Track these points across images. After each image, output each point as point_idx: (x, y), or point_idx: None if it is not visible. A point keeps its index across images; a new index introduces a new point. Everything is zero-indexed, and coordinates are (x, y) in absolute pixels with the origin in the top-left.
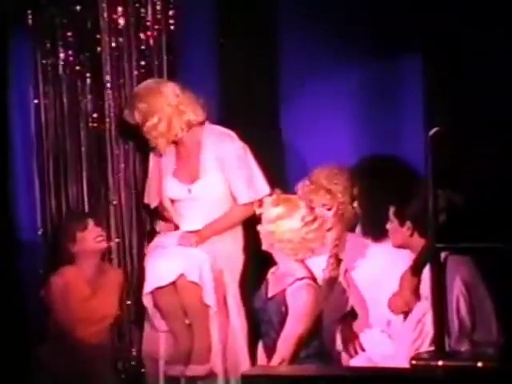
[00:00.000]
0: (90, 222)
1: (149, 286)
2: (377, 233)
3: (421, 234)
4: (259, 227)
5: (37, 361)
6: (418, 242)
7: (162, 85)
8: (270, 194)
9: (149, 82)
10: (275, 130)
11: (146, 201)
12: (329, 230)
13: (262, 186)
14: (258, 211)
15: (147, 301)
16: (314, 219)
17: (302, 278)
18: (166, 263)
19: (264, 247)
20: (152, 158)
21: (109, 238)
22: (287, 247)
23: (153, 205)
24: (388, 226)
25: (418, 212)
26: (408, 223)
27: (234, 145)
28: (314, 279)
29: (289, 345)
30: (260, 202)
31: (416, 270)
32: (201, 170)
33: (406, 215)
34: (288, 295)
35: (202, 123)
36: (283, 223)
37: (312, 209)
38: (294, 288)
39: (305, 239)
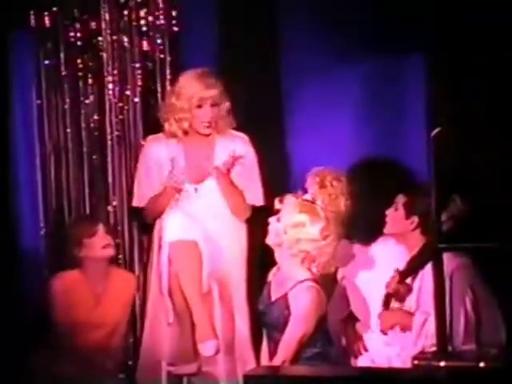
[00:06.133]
0: (100, 229)
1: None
2: (368, 235)
3: (423, 231)
4: (272, 220)
5: (38, 364)
6: (418, 238)
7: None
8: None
9: (206, 72)
10: (277, 130)
11: (136, 204)
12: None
13: (258, 196)
14: (277, 206)
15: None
16: (330, 234)
17: (303, 281)
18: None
19: (269, 242)
20: (148, 157)
21: (117, 246)
22: (299, 256)
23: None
24: (388, 212)
25: (429, 210)
26: (414, 218)
27: (245, 148)
28: (316, 281)
29: (290, 346)
30: (281, 198)
31: (407, 273)
32: (211, 170)
33: (416, 210)
34: (290, 298)
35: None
36: (304, 231)
37: (329, 223)
38: (296, 291)
39: (319, 253)
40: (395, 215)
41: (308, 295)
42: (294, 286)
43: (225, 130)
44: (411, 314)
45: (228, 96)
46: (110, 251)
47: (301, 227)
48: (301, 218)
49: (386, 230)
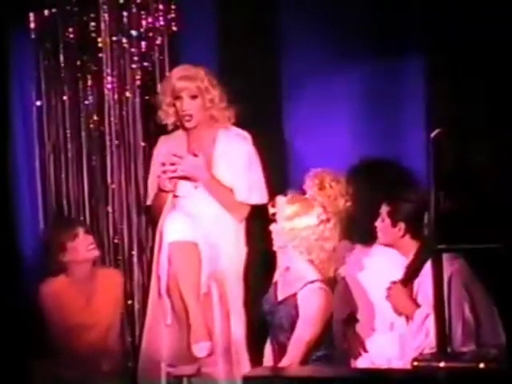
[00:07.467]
0: (80, 231)
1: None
2: (368, 235)
3: (413, 236)
4: (272, 226)
5: (36, 369)
6: (409, 243)
7: (205, 71)
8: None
9: (191, 66)
10: (276, 130)
11: (147, 202)
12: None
13: (261, 194)
14: (271, 211)
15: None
16: (329, 218)
17: (313, 281)
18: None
19: (275, 247)
20: (155, 156)
21: (100, 245)
22: (303, 245)
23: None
24: (377, 224)
25: (413, 214)
26: (401, 224)
27: (247, 147)
28: (325, 282)
29: (299, 348)
30: (273, 202)
31: (408, 278)
32: (211, 168)
33: (401, 216)
34: (299, 299)
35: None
36: (300, 220)
37: (326, 208)
38: (305, 291)
39: (321, 238)
40: (383, 226)
41: (318, 297)
42: (304, 286)
43: (222, 123)
44: (417, 305)
45: (228, 95)
46: (95, 252)
47: (296, 217)
48: (293, 208)
49: (378, 242)
